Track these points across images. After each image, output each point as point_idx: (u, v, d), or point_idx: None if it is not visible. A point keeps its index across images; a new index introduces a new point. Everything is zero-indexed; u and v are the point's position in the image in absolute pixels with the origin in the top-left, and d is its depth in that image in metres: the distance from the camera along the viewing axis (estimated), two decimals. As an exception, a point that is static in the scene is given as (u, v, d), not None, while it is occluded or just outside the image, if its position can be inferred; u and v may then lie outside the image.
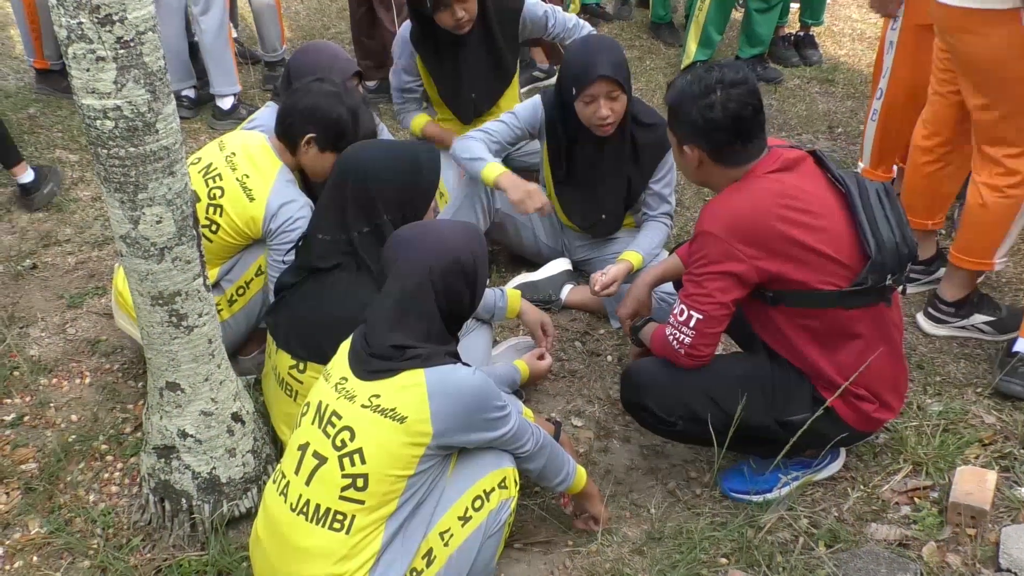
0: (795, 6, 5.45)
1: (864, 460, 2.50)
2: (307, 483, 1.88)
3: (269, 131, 2.66)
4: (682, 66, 4.98)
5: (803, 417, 2.19)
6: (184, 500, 2.22)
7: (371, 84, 4.64)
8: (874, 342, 2.19)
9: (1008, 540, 2.16)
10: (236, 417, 2.23)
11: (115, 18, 1.72)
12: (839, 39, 5.73)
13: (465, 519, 1.96)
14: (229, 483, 2.23)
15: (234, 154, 2.61)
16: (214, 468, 2.20)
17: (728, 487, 2.43)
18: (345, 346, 1.98)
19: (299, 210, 2.53)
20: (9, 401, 2.76)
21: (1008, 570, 2.11)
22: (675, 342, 2.21)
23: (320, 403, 1.93)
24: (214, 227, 2.55)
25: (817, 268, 2.11)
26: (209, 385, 2.16)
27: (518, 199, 2.82)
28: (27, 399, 2.76)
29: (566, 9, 4.55)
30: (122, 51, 1.76)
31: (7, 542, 2.30)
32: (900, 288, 2.20)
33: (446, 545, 1.94)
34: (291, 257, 2.44)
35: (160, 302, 2.03)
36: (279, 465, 2.00)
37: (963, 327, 2.98)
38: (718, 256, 2.11)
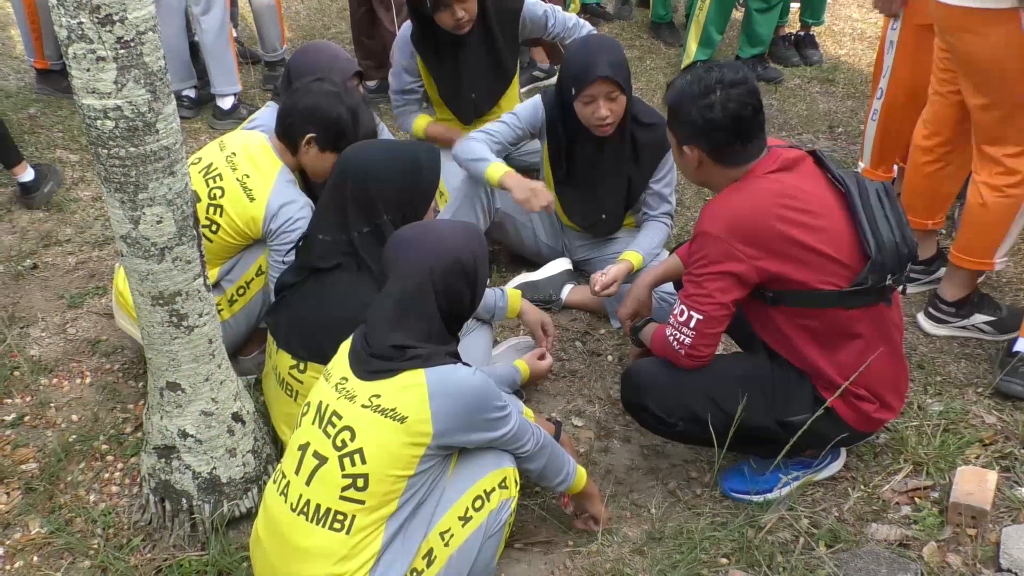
0: (795, 6, 5.45)
1: (864, 460, 2.50)
2: (307, 483, 1.88)
3: (269, 131, 2.66)
4: (682, 66, 4.97)
5: (803, 417, 2.19)
6: (184, 500, 2.22)
7: (371, 84, 4.63)
8: (874, 342, 2.19)
9: (1009, 540, 2.16)
10: (236, 417, 2.23)
11: (115, 18, 1.72)
12: (839, 39, 5.73)
13: (465, 519, 1.96)
14: (229, 483, 2.23)
15: (234, 154, 2.61)
16: (214, 468, 2.20)
17: (728, 487, 2.43)
18: (345, 346, 1.98)
19: (299, 210, 2.53)
20: (9, 401, 2.76)
21: (1008, 570, 2.11)
22: (675, 342, 2.21)
23: (320, 403, 1.93)
24: (214, 227, 2.56)
25: (817, 268, 2.11)
26: (209, 385, 2.16)
27: (523, 198, 2.82)
28: (27, 399, 2.76)
29: (566, 9, 4.54)
30: (122, 51, 1.76)
31: (7, 542, 2.30)
32: (900, 288, 2.20)
33: (446, 545, 1.94)
34: (291, 257, 2.44)
35: (160, 302, 2.03)
36: (279, 465, 2.00)
37: (963, 327, 2.98)
38: (718, 256, 2.11)
